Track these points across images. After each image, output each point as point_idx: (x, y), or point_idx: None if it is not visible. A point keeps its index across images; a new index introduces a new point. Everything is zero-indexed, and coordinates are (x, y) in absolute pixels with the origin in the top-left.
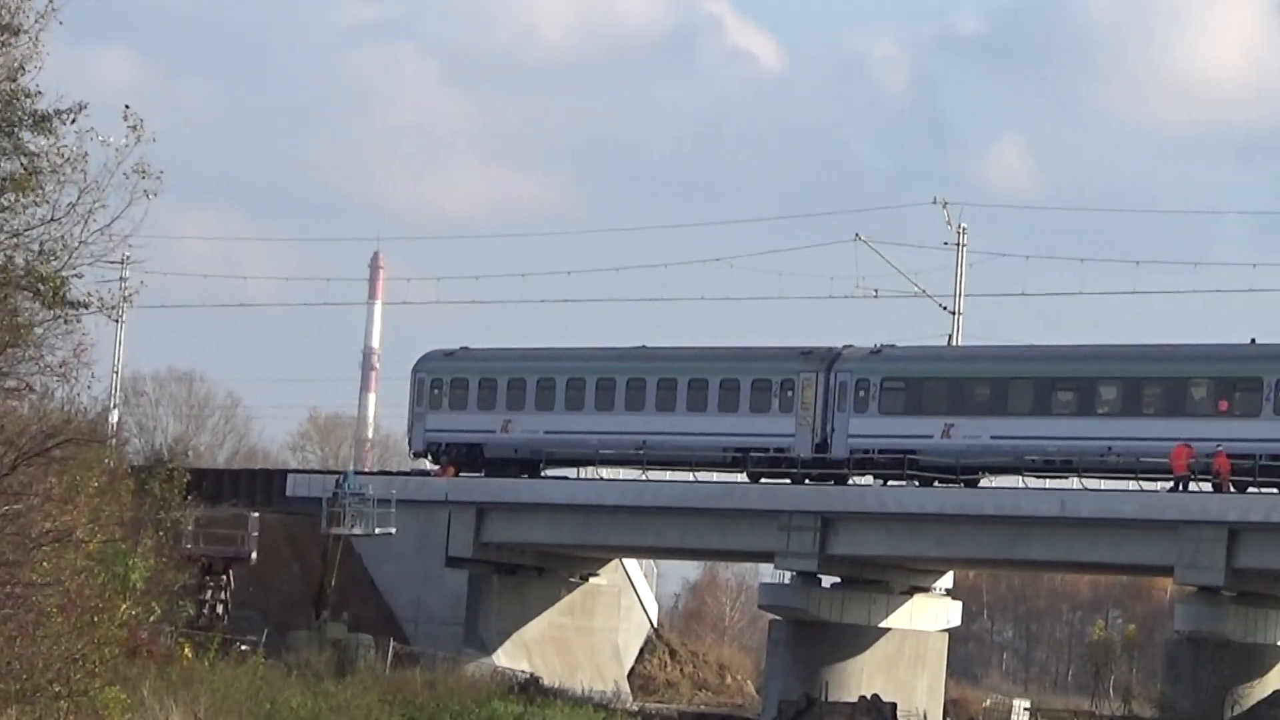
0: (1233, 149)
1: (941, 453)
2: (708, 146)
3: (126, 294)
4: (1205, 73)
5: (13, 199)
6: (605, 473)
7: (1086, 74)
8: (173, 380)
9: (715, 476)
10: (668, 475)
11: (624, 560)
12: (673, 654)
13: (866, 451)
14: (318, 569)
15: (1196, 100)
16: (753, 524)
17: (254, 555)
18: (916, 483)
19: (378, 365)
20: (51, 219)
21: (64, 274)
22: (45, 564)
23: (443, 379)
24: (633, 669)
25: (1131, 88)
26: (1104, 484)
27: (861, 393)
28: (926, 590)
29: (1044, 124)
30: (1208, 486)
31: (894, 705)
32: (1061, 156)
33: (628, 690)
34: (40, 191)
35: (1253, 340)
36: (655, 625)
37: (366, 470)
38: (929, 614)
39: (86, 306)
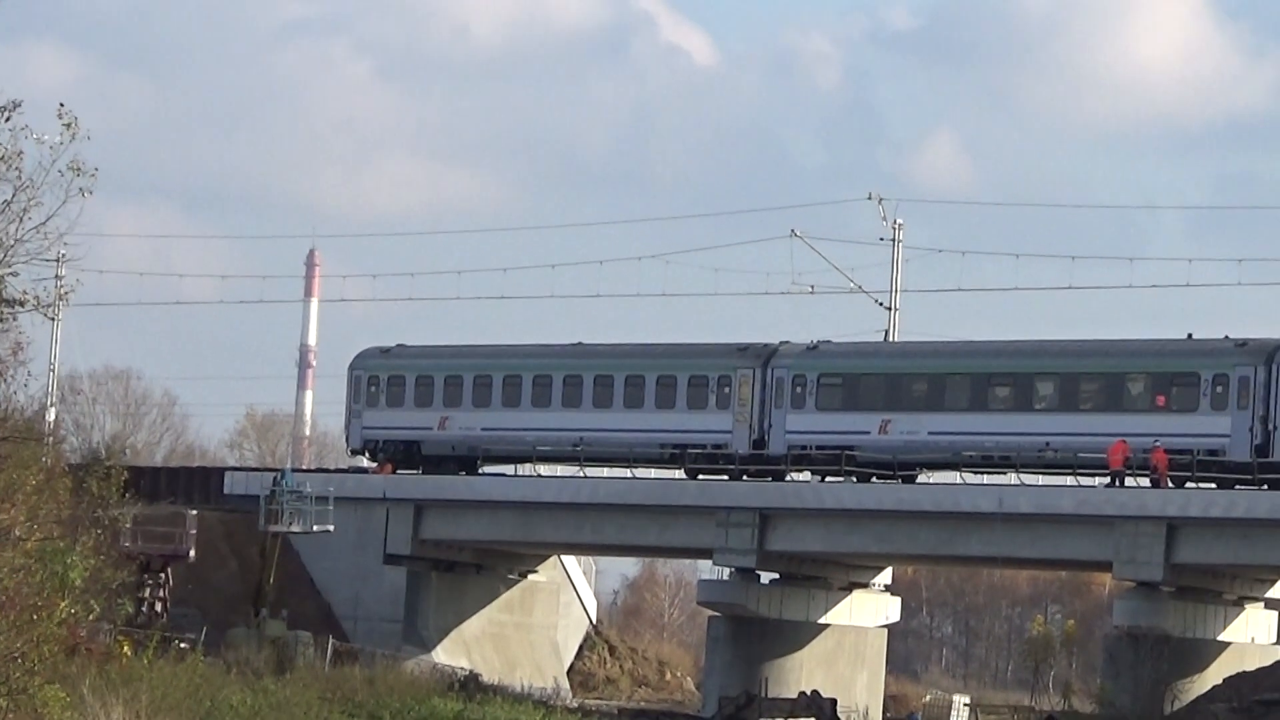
0: (1168, 144)
1: (879, 449)
2: (642, 143)
3: (63, 292)
4: (1140, 68)
5: None
6: (543, 469)
7: (1020, 69)
8: (110, 378)
9: (653, 473)
10: (605, 472)
11: (562, 557)
12: (612, 650)
13: (804, 448)
14: (256, 567)
15: (1131, 95)
16: (691, 520)
17: (192, 553)
18: (854, 479)
19: (314, 363)
20: None
21: None
22: None
23: (379, 376)
24: (572, 666)
25: (1065, 83)
26: (1042, 480)
27: (798, 389)
28: (865, 586)
29: (978, 119)
30: (1146, 482)
31: (834, 701)
32: (996, 152)
33: (567, 687)
34: None
35: (1189, 335)
36: (594, 622)
37: (304, 468)
38: (868, 610)
39: (22, 304)
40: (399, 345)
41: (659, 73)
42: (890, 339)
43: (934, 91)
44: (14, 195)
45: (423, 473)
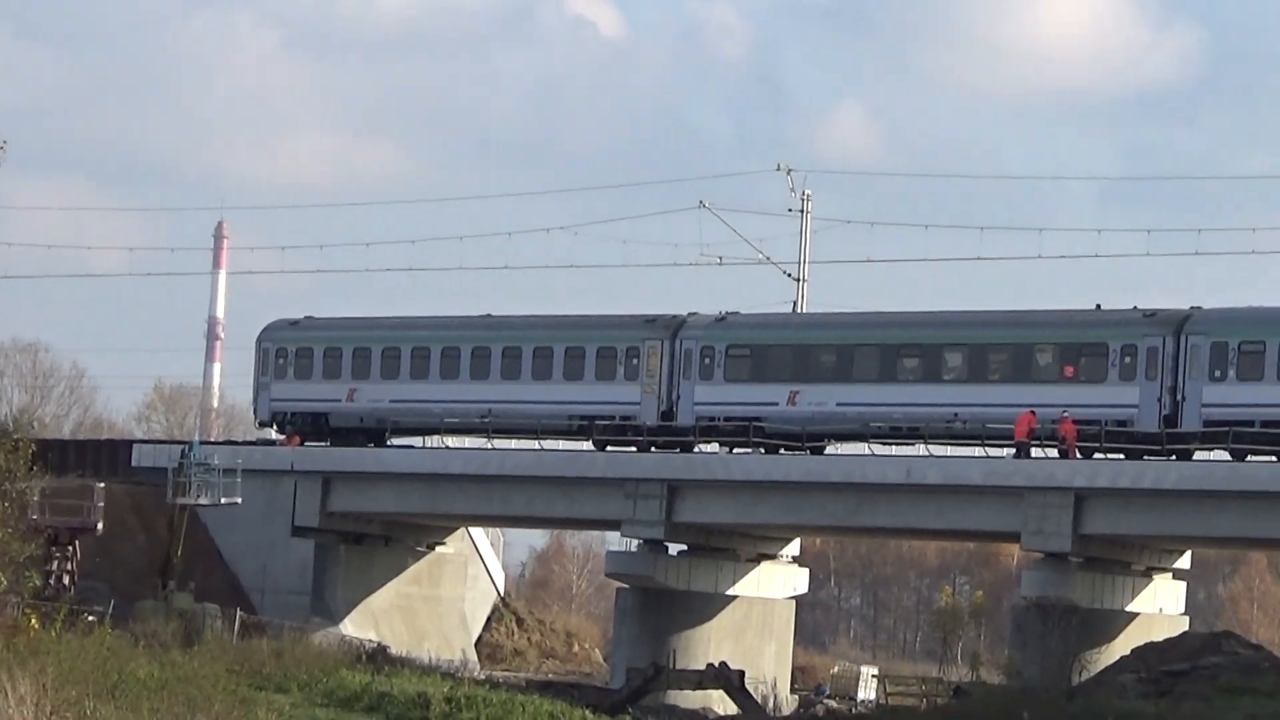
0: (1076, 115)
1: (787, 420)
2: (550, 115)
3: None
4: (1048, 39)
5: None
6: (451, 441)
7: (928, 40)
8: (17, 351)
9: (561, 445)
10: (513, 444)
11: (470, 529)
12: (520, 622)
13: (712, 419)
14: (164, 539)
15: (1039, 67)
16: (599, 492)
17: (100, 525)
18: (762, 450)
19: (222, 335)
20: None
21: None
22: None
23: (287, 348)
24: (480, 637)
25: (974, 54)
26: (951, 451)
27: (707, 360)
28: (773, 558)
29: (886, 90)
30: (1054, 453)
31: (741, 673)
32: (904, 123)
33: (475, 659)
34: None
35: (1098, 306)
36: (502, 594)
37: (212, 440)
38: (776, 581)
39: None
40: (307, 317)
41: (566, 44)
42: (799, 310)
43: (841, 62)
44: None
45: (331, 445)
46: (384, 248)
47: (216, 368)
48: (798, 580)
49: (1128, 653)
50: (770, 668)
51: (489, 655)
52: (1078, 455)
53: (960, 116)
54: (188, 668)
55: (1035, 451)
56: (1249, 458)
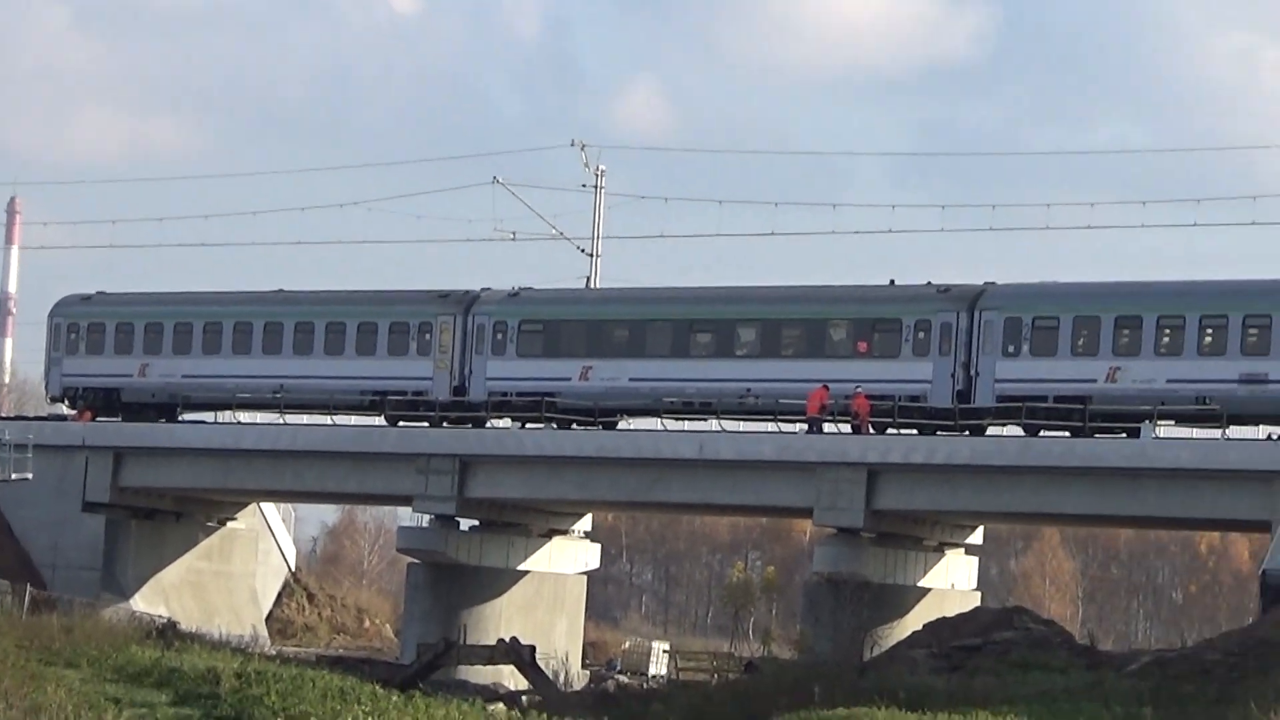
0: (869, 91)
1: (580, 395)
2: (344, 90)
3: None
4: (841, 15)
5: None
6: (243, 416)
7: (721, 16)
8: None
9: (354, 420)
10: (306, 419)
11: (262, 504)
12: (311, 598)
13: (505, 394)
14: None
15: (832, 43)
16: (391, 467)
17: None
18: (555, 425)
19: (14, 310)
20: None
21: None
22: None
23: (79, 324)
24: (271, 613)
25: (769, 30)
26: (744, 426)
27: (499, 335)
28: (565, 533)
29: (680, 66)
30: (848, 428)
31: (533, 648)
32: (698, 99)
33: (265, 634)
34: None
35: (891, 281)
36: (293, 569)
37: (2, 415)
38: (568, 557)
39: None
40: (99, 292)
41: (359, 19)
42: (592, 286)
43: (635, 39)
44: None
45: (123, 420)
46: (177, 223)
47: (8, 343)
48: (589, 556)
49: (920, 628)
50: (561, 643)
51: (280, 631)
52: (871, 431)
53: (755, 92)
54: None
55: (828, 427)
56: (1041, 433)
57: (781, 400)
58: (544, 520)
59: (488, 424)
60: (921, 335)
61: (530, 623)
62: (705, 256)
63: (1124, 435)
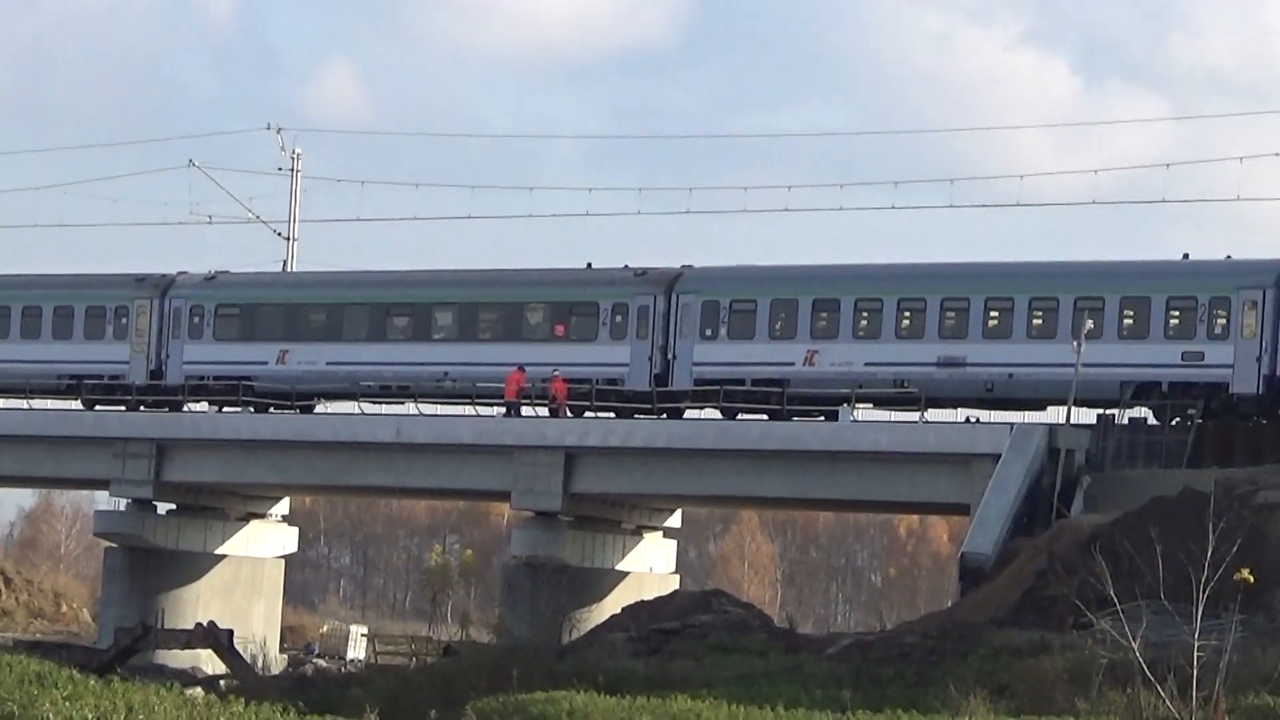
0: (566, 75)
1: (277, 379)
2: (37, 73)
3: None
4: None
5: None
6: None
7: None
8: None
9: (50, 404)
10: (1, 403)
11: None
12: (8, 582)
13: (202, 378)
14: None
15: (528, 26)
16: (87, 451)
17: None
18: (252, 409)
19: None
20: None
21: None
22: None
23: None
24: None
25: (465, 13)
26: (441, 409)
27: (196, 319)
28: (263, 516)
29: (376, 49)
30: (546, 411)
31: (230, 632)
32: (395, 82)
33: None
34: None
35: (589, 265)
36: None
37: None
38: (265, 540)
39: None
40: None
41: (53, 2)
42: (289, 269)
43: (330, 21)
44: None
45: None
46: None
47: None
48: (287, 539)
49: (618, 611)
50: (259, 627)
51: None
52: (569, 414)
53: (452, 75)
54: None
55: (526, 410)
56: (739, 416)
57: (479, 384)
58: (241, 504)
59: (185, 408)
60: (619, 319)
61: (228, 607)
62: (404, 240)
63: (822, 418)
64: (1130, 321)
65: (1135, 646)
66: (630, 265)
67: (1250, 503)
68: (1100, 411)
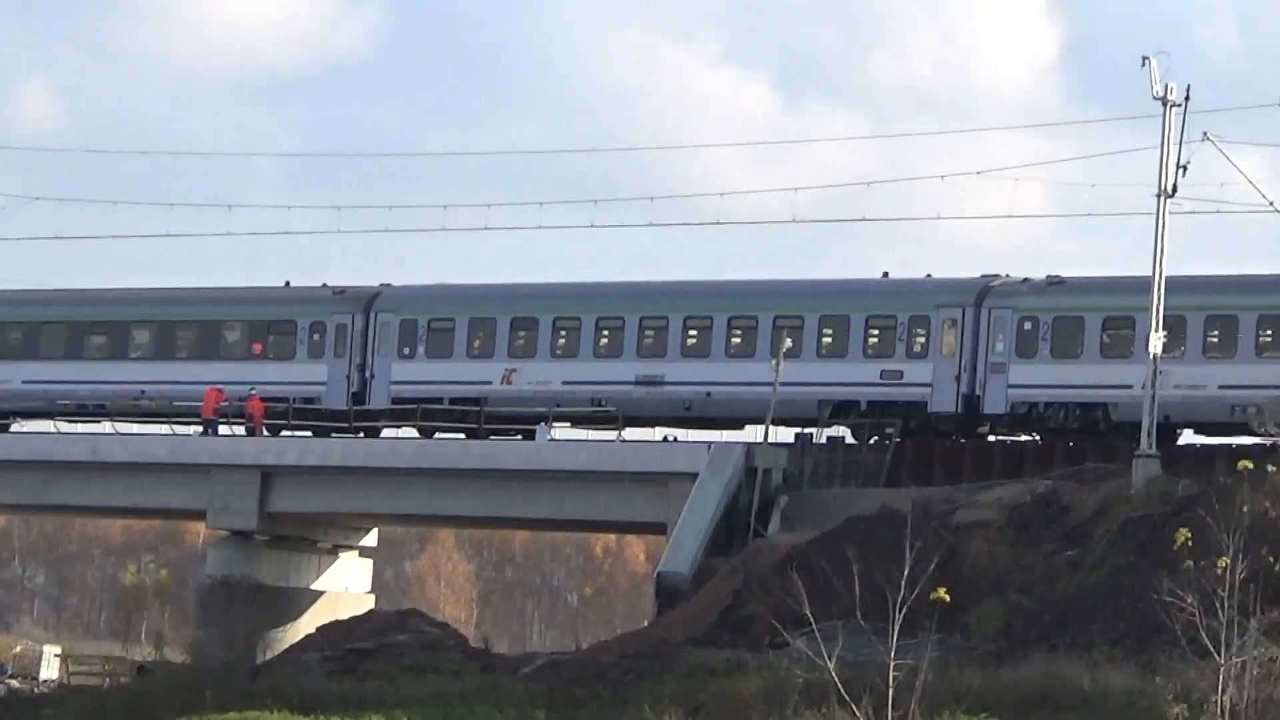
0: (264, 91)
1: None
2: None
3: None
4: (238, 14)
5: None
6: None
7: (118, 16)
8: None
9: None
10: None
11: None
12: None
13: None
14: None
15: (222, 40)
16: None
17: None
18: None
19: None
20: None
21: None
22: None
23: None
24: None
25: (165, 30)
26: (138, 428)
27: None
28: None
29: (73, 67)
30: (243, 430)
31: None
32: (92, 99)
33: None
34: None
35: (287, 283)
36: None
37: None
38: None
39: None
40: None
41: None
42: None
43: (26, 39)
44: None
45: None
46: None
47: None
48: None
49: (313, 631)
50: None
51: None
52: (265, 433)
53: (151, 92)
54: None
55: (224, 429)
56: (436, 435)
57: (176, 402)
58: None
59: None
60: (316, 337)
61: None
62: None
63: (520, 437)
64: (829, 340)
65: (831, 666)
66: (329, 284)
67: (948, 522)
68: (798, 430)
